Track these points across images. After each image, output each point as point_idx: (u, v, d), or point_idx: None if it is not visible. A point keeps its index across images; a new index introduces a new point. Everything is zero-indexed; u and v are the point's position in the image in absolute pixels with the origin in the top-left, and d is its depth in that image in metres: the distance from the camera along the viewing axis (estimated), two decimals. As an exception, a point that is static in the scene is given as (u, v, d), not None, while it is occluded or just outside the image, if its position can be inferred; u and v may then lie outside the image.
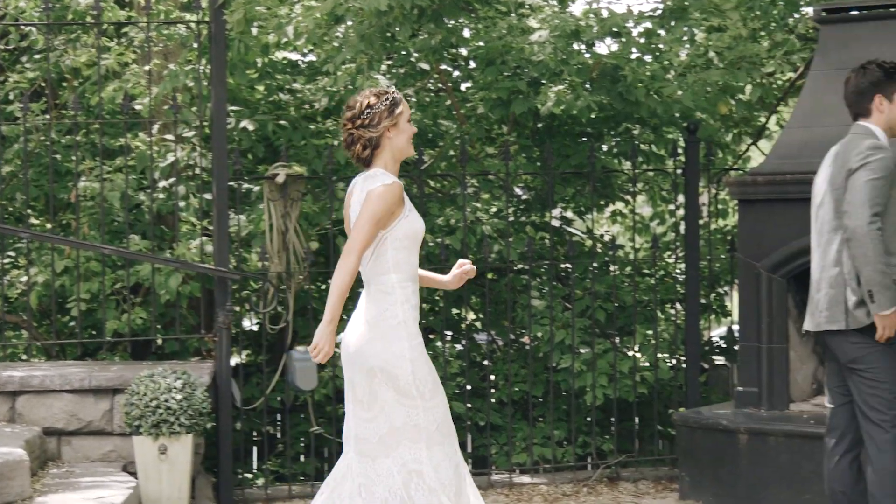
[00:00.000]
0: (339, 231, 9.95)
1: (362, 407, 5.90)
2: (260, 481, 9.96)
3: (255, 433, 10.62)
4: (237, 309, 9.63)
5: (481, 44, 10.43)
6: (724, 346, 11.24)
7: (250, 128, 10.17)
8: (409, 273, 5.94)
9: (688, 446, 8.73)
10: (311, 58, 11.34)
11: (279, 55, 11.20)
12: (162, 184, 10.02)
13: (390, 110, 5.92)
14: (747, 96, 11.80)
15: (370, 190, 5.83)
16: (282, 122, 10.41)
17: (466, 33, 10.80)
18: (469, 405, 10.02)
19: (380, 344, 5.86)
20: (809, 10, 11.18)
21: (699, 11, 11.13)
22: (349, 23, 10.01)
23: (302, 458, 10.58)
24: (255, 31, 10.07)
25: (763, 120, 13.47)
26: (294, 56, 11.45)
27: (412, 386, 5.84)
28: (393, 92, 5.99)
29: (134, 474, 8.12)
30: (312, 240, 9.74)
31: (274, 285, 9.35)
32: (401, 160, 6.00)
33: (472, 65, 10.89)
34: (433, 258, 9.95)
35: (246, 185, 10.20)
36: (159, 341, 9.87)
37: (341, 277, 5.75)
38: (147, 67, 9.90)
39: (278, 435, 10.78)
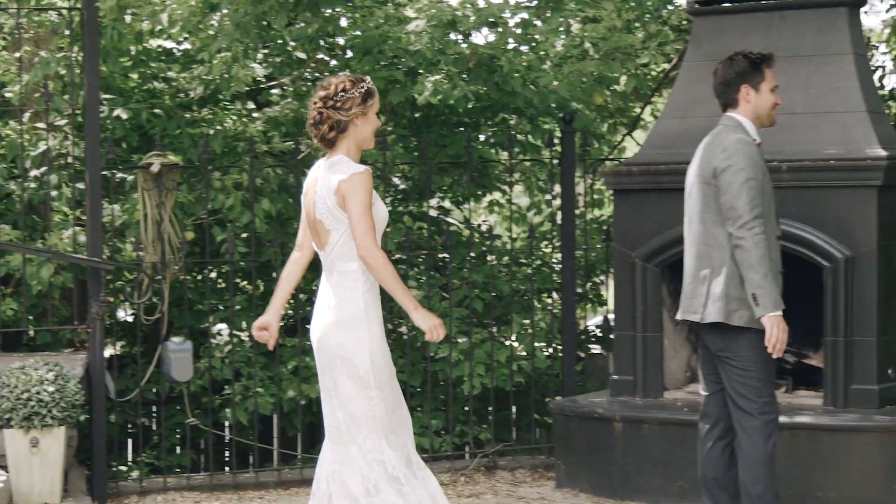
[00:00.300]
0: (216, 221, 9.87)
1: (329, 395, 6.02)
2: (135, 474, 9.85)
3: (129, 425, 10.50)
4: (111, 300, 9.50)
5: (358, 33, 10.40)
6: (601, 334, 11.34)
7: (124, 116, 10.04)
8: None
9: (564, 435, 8.79)
10: (186, 46, 11.21)
11: (153, 43, 11.07)
12: (33, 173, 9.85)
13: (364, 99, 6.00)
14: (622, 87, 11.93)
15: (342, 180, 5.88)
16: (156, 110, 10.29)
17: (343, 22, 10.76)
18: (347, 395, 9.98)
19: (341, 332, 5.94)
20: (683, 2, 11.34)
21: (574, 2, 11.21)
22: (224, 11, 9.94)
23: (178, 449, 10.48)
24: (128, 18, 9.94)
25: (638, 110, 13.63)
26: (169, 44, 11.32)
27: (370, 375, 5.92)
28: (369, 82, 6.05)
29: (5, 468, 7.99)
30: (188, 230, 9.64)
31: (149, 276, 9.24)
32: (362, 149, 6.07)
33: (350, 54, 10.84)
34: (310, 248, 9.89)
35: (120, 175, 10.07)
36: (31, 332, 9.71)
37: (387, 268, 5.86)
38: (17, 54, 9.72)
39: (153, 427, 10.67)
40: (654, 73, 13.42)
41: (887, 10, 14.79)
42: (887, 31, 14.34)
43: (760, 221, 6.43)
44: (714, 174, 6.51)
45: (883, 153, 7.95)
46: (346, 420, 5.96)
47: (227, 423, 10.19)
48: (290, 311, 10.95)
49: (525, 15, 10.82)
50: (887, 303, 8.03)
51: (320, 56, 10.97)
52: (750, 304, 6.43)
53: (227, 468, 10.34)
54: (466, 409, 10.17)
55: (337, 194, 5.91)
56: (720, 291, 6.53)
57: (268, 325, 6.34)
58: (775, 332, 6.40)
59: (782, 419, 6.77)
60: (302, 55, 10.78)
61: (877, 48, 14.93)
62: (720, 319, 6.51)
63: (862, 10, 8.71)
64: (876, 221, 7.93)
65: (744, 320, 6.48)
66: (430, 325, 5.94)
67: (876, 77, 14.07)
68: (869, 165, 7.94)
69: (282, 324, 10.57)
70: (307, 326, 10.54)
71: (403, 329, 10.40)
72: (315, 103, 6.02)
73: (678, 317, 6.84)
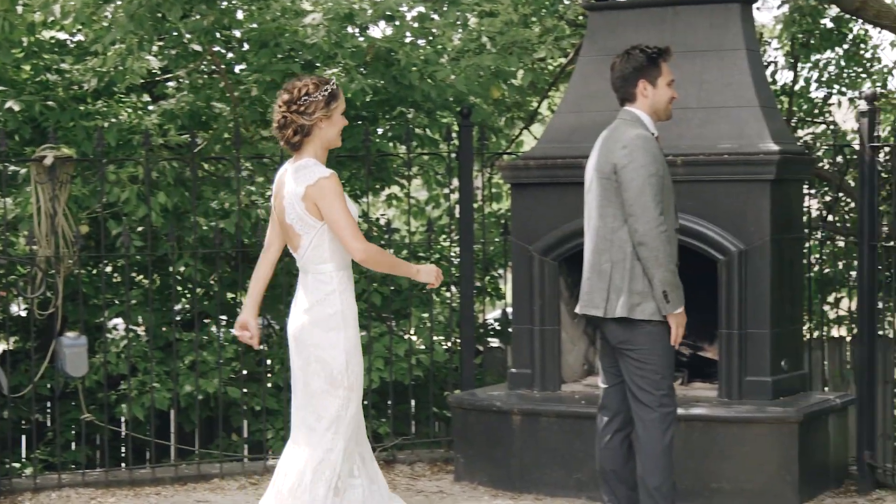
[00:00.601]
0: (111, 214, 9.77)
1: (296, 395, 6.12)
2: (28, 470, 9.72)
3: (23, 421, 10.36)
4: (4, 294, 9.37)
5: (255, 26, 10.34)
6: (499, 328, 11.39)
7: (16, 108, 9.89)
8: (344, 262, 6.07)
9: (463, 428, 8.82)
10: (80, 38, 11.07)
11: (46, 34, 10.92)
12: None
13: (327, 102, 6.01)
14: (519, 81, 11.98)
15: (310, 185, 5.92)
16: (49, 102, 10.15)
17: (240, 15, 10.70)
18: (245, 390, 9.95)
19: (317, 332, 6.00)
20: (579, -3, 11.41)
21: (470, -5, 11.25)
22: (118, 2, 9.82)
23: (73, 446, 10.37)
24: (20, 9, 9.80)
25: (535, 104, 13.71)
26: (62, 35, 11.17)
27: (344, 376, 5.99)
28: (332, 84, 6.06)
29: None
30: (83, 223, 9.53)
31: (42, 270, 9.12)
32: (329, 149, 6.10)
33: (246, 47, 10.78)
34: (207, 242, 9.84)
35: (12, 168, 9.92)
36: (-78, 329, 9.55)
37: (384, 259, 6.10)
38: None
39: (47, 423, 10.54)
40: (550, 67, 13.51)
41: (779, 6, 15.00)
42: (779, 26, 14.55)
43: (664, 218, 6.50)
44: (615, 170, 6.56)
45: (775, 147, 8.07)
46: (312, 419, 6.02)
47: (123, 419, 10.10)
48: (187, 306, 10.88)
49: (422, 9, 10.84)
50: (780, 295, 8.15)
51: (216, 49, 10.89)
52: (653, 297, 6.50)
53: (123, 464, 10.24)
54: (365, 402, 10.16)
55: (305, 200, 5.96)
56: (622, 286, 6.58)
57: (246, 324, 6.34)
58: (679, 331, 6.51)
59: (678, 411, 6.84)
60: (198, 47, 10.69)
61: (769, 44, 15.13)
62: (624, 314, 6.56)
63: (754, 6, 8.81)
64: (769, 215, 8.05)
65: (646, 314, 6.55)
66: (431, 278, 6.16)
67: (768, 72, 14.28)
68: (762, 160, 8.04)
69: (178, 318, 10.55)
70: (205, 321, 10.53)
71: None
72: (279, 107, 6.04)
73: (578, 311, 6.88)
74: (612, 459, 6.81)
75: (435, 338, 10.21)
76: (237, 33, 10.78)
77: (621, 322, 6.60)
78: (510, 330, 9.66)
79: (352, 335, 6.05)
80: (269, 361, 10.34)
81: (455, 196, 9.85)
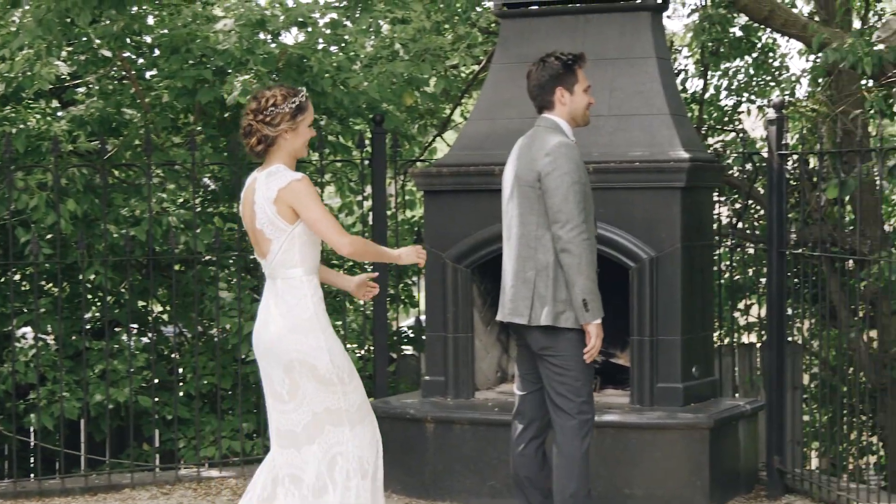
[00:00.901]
0: (19, 222, 9.65)
1: (281, 399, 6.08)
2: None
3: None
4: None
5: (165, 31, 10.27)
6: (413, 335, 11.39)
7: (-78, 115, 9.76)
8: (313, 266, 6.09)
9: (376, 435, 8.79)
10: (-13, 43, 10.93)
11: (-49, 39, 10.77)
12: None
13: (293, 115, 6.04)
14: (432, 88, 11.98)
15: (282, 188, 5.95)
16: (-45, 108, 10.02)
17: (150, 20, 10.62)
18: (156, 399, 9.87)
19: (296, 337, 6.01)
20: (491, 5, 11.43)
21: (384, 3, 11.25)
22: (26, 7, 9.72)
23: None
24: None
25: (448, 112, 13.72)
26: (-32, 41, 11.03)
27: (333, 374, 6.03)
28: (301, 96, 6.07)
29: None
30: (-10, 232, 9.41)
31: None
32: (297, 158, 6.12)
33: (157, 52, 10.71)
34: (118, 250, 9.75)
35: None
36: None
37: (369, 249, 6.22)
38: None
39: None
40: (463, 74, 13.54)
41: (689, 15, 15.15)
42: (689, 35, 14.68)
43: (586, 226, 6.54)
44: (538, 177, 6.57)
45: (686, 155, 8.13)
46: (306, 421, 6.03)
47: (32, 429, 9.98)
48: (97, 314, 10.79)
49: (334, 15, 10.82)
50: (691, 302, 8.21)
51: (127, 54, 10.80)
52: (574, 306, 6.53)
53: (32, 475, 10.12)
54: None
55: (277, 203, 5.97)
56: (547, 294, 6.60)
57: (362, 281, 6.47)
58: (597, 341, 6.54)
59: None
60: (108, 53, 10.60)
61: (679, 52, 15.27)
62: (549, 322, 6.58)
63: (664, 14, 8.88)
64: (680, 222, 8.11)
65: (570, 322, 6.57)
66: (414, 258, 6.26)
67: (679, 80, 14.41)
68: (672, 167, 8.11)
69: (88, 326, 10.45)
70: (116, 329, 10.44)
71: (214, 332, 10.31)
72: (246, 115, 6.07)
73: (501, 318, 6.86)
74: (526, 466, 6.82)
75: (349, 346, 10.19)
76: (148, 39, 10.70)
77: (545, 329, 6.61)
78: (424, 337, 9.66)
79: (329, 335, 6.08)
80: (181, 370, 10.27)
81: (368, 203, 9.83)
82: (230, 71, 10.03)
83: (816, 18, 13.52)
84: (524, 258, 6.67)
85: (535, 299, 6.63)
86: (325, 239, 6.02)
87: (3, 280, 10.27)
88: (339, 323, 10.25)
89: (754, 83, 14.86)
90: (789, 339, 9.24)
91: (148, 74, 11.03)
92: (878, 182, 8.23)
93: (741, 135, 9.68)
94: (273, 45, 10.31)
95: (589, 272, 6.53)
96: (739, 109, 15.00)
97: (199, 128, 10.70)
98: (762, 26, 12.98)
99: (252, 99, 6.10)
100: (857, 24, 14.17)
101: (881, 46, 9.69)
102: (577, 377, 6.61)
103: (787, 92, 14.72)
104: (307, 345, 6.02)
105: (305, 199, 5.95)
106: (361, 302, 10.67)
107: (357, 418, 6.09)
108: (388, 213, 9.98)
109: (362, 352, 10.42)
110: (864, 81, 11.36)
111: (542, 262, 6.60)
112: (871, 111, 10.26)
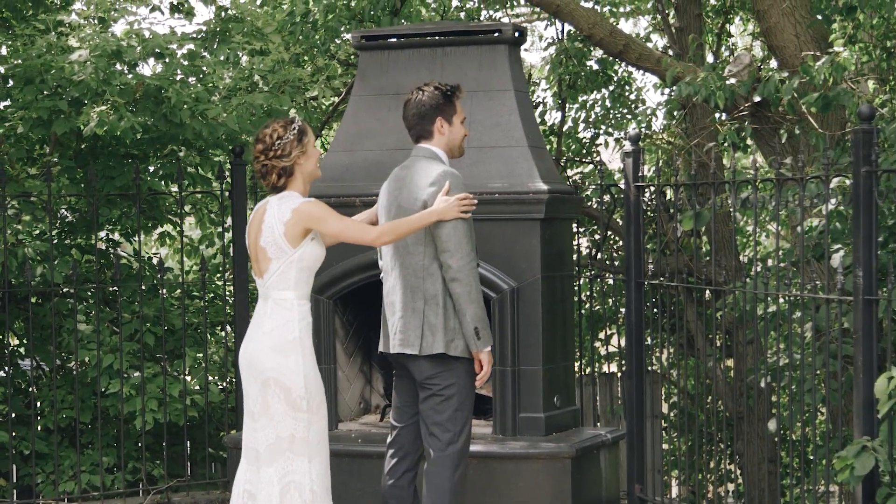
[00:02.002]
0: None
1: (252, 416, 6.27)
2: None
3: None
4: None
5: (19, 62, 10.13)
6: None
7: None
8: (306, 292, 6.32)
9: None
10: None
11: None
12: None
13: (299, 139, 6.31)
14: (292, 119, 11.94)
15: (295, 208, 6.21)
16: None
17: (3, 50, 10.46)
18: (14, 433, 9.69)
19: (276, 356, 6.19)
20: (349, 37, 11.46)
21: (242, 34, 11.22)
22: None
23: None
24: None
25: (307, 143, 13.69)
26: None
27: (303, 399, 6.18)
28: (298, 121, 6.32)
29: None
30: None
31: None
32: (310, 182, 6.40)
33: (11, 83, 10.54)
34: (-28, 284, 9.58)
35: None
36: None
37: (396, 227, 6.42)
38: None
39: None
40: (323, 106, 13.54)
41: (545, 48, 15.34)
42: (547, 67, 14.86)
43: (475, 255, 6.59)
44: (424, 206, 6.60)
45: (544, 187, 8.21)
46: (269, 442, 6.19)
47: None
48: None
49: (192, 46, 10.76)
50: (551, 332, 8.28)
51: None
52: (465, 334, 6.56)
53: None
54: (139, 444, 10.00)
55: (287, 224, 6.19)
56: (437, 323, 6.61)
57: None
58: (488, 367, 6.59)
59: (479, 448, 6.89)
60: (-40, 84, 10.43)
61: (538, 84, 15.45)
62: (441, 351, 6.59)
63: (522, 47, 8.97)
64: (539, 253, 8.18)
65: (459, 350, 6.61)
66: (456, 212, 6.49)
67: (537, 112, 14.58)
68: (531, 199, 8.17)
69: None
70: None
71: (72, 365, 10.16)
72: (257, 158, 6.29)
73: (386, 350, 6.82)
74: (398, 498, 6.81)
75: (210, 378, 10.11)
76: (1, 69, 10.54)
77: (433, 358, 6.62)
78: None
79: (309, 361, 6.25)
80: (38, 404, 10.09)
81: (229, 235, 9.78)
82: (86, 102, 9.92)
83: (670, 52, 13.78)
84: (413, 288, 6.67)
85: (425, 329, 6.64)
86: (355, 241, 6.39)
87: None
88: (200, 355, 10.17)
89: (611, 116, 15.11)
90: (649, 368, 9.36)
91: (1, 105, 10.86)
92: (731, 213, 8.40)
93: (599, 166, 9.78)
94: (129, 76, 10.21)
95: (479, 300, 6.58)
96: (597, 141, 15.24)
97: (55, 159, 10.56)
98: (618, 60, 13.19)
99: (256, 141, 6.33)
100: (710, 58, 14.47)
101: (733, 80, 9.91)
102: (457, 407, 6.64)
103: (643, 124, 14.99)
104: (286, 366, 6.19)
105: (322, 215, 6.24)
106: (223, 334, 10.58)
107: (316, 451, 6.26)
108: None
109: (224, 384, 10.34)
110: (717, 115, 11.59)
111: (431, 292, 6.62)
112: (725, 144, 10.47)
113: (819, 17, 10.46)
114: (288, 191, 6.33)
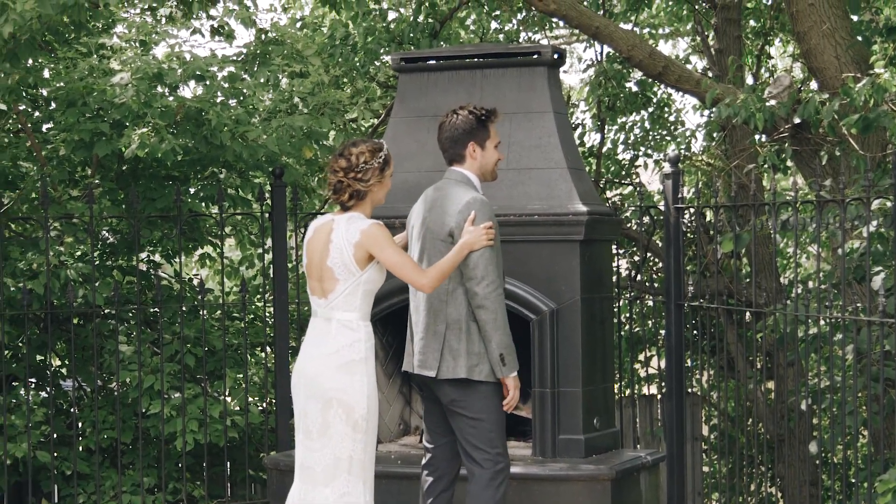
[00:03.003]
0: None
1: (309, 436, 6.28)
2: None
3: None
4: None
5: (62, 84, 10.21)
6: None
7: None
8: (368, 313, 6.37)
9: (279, 489, 8.73)
10: None
11: None
12: None
13: (382, 169, 6.36)
14: (331, 141, 12.01)
15: (364, 230, 6.25)
16: None
17: (46, 73, 10.55)
18: (56, 454, 9.74)
19: (342, 376, 6.22)
20: (389, 59, 11.50)
21: (282, 57, 11.27)
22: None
23: None
24: None
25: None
26: None
27: (364, 419, 6.22)
28: (385, 149, 6.35)
29: None
30: None
31: None
32: (376, 206, 6.44)
33: (53, 106, 10.64)
34: (15, 303, 9.64)
35: None
36: None
37: (440, 272, 6.40)
38: None
39: None
40: (363, 127, 13.59)
41: (584, 70, 15.35)
42: (586, 89, 14.86)
43: (501, 282, 6.59)
44: (451, 232, 6.62)
45: (584, 209, 8.21)
46: (327, 462, 6.22)
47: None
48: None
49: (232, 69, 10.82)
50: (591, 354, 8.27)
51: (22, 107, 10.72)
52: (489, 360, 6.57)
53: (-75, 534, 9.92)
54: (180, 465, 10.03)
55: (357, 246, 6.24)
56: (460, 347, 6.62)
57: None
58: (515, 392, 6.58)
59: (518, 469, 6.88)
60: (3, 106, 10.52)
61: (577, 106, 15.45)
62: (463, 375, 6.60)
63: (561, 69, 8.99)
64: (579, 275, 8.17)
65: (483, 375, 6.61)
66: (484, 241, 6.49)
67: (576, 134, 14.58)
68: (571, 220, 8.17)
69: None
70: (13, 384, 10.29)
71: (114, 385, 10.21)
72: (336, 171, 6.31)
73: (412, 370, 6.84)
74: None
75: (250, 398, 10.14)
76: (44, 92, 10.63)
77: (456, 382, 6.63)
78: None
79: (372, 382, 6.30)
80: (80, 424, 10.14)
81: (269, 256, 9.81)
82: (128, 124, 9.99)
83: (710, 74, 13.77)
84: (435, 311, 6.68)
85: (444, 352, 6.64)
86: (406, 280, 6.35)
87: None
88: (241, 376, 10.20)
89: (650, 137, 15.10)
90: (689, 390, 9.33)
91: (45, 127, 10.95)
92: (772, 235, 8.37)
93: (638, 188, 9.78)
94: (171, 98, 10.28)
95: (504, 327, 6.60)
96: (636, 163, 15.22)
97: (96, 181, 10.63)
98: (657, 82, 13.18)
99: (339, 156, 6.33)
100: (750, 80, 14.45)
101: (773, 102, 9.88)
102: (490, 428, 6.64)
103: (682, 146, 14.97)
104: (351, 385, 6.23)
105: (384, 243, 6.25)
106: (263, 355, 10.61)
107: (369, 473, 6.31)
108: (290, 265, 9.96)
109: (264, 405, 10.36)
110: (757, 136, 11.57)
111: (454, 317, 6.63)
112: (765, 165, 10.45)
113: (859, 38, 10.42)
114: (355, 212, 6.35)
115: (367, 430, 6.27)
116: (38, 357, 10.64)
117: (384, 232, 6.28)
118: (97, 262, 10.33)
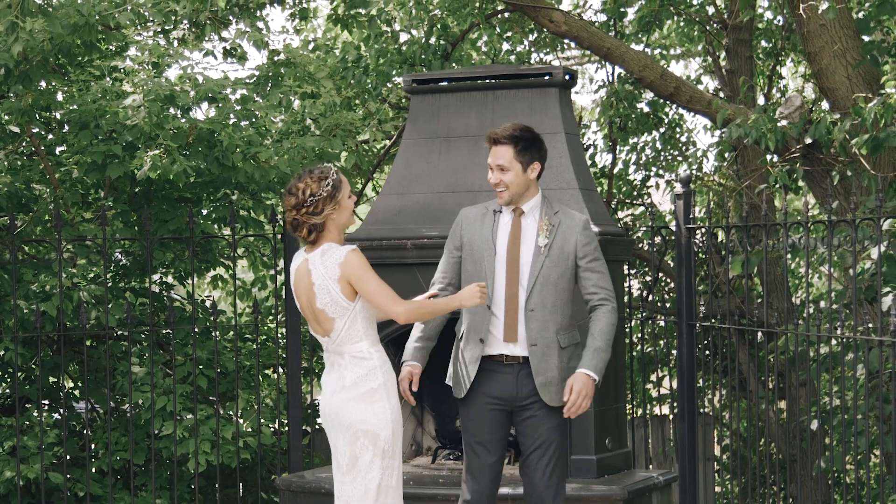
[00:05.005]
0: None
1: (340, 470, 6.28)
2: None
3: None
4: None
5: (74, 107, 10.25)
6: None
7: None
8: (377, 336, 6.31)
9: (290, 510, 8.75)
10: None
11: None
12: None
13: (332, 196, 6.20)
14: (343, 163, 12.04)
15: (341, 263, 6.14)
16: None
17: (59, 96, 10.59)
18: (68, 475, 9.75)
19: (362, 407, 6.19)
20: (401, 81, 11.52)
21: (293, 78, 11.31)
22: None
23: None
24: None
25: (359, 186, 13.77)
26: None
27: (390, 445, 6.21)
28: (333, 174, 6.20)
29: None
30: None
31: None
32: (345, 228, 6.33)
33: (66, 128, 10.68)
34: (28, 325, 9.67)
35: None
36: None
37: (425, 310, 6.30)
38: None
39: None
40: (375, 149, 13.62)
41: (596, 91, 15.37)
42: (597, 110, 14.88)
43: None
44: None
45: (596, 229, 8.20)
46: (359, 495, 6.22)
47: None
48: (7, 391, 10.67)
49: (244, 91, 10.86)
50: (604, 374, 8.26)
51: (35, 130, 10.77)
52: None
53: (-62, 556, 9.94)
54: (192, 487, 10.03)
55: (340, 281, 6.15)
56: None
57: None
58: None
59: (507, 490, 6.87)
60: (16, 129, 10.56)
61: (588, 127, 15.47)
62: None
63: (572, 90, 9.00)
64: (590, 294, 8.17)
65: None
66: (477, 300, 6.29)
67: (588, 155, 14.60)
68: (583, 241, 8.17)
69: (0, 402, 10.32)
70: (26, 405, 10.32)
71: (126, 407, 10.23)
72: (289, 211, 6.20)
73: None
74: None
75: (262, 420, 10.15)
76: (57, 114, 10.67)
77: None
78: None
79: (395, 405, 6.27)
80: (93, 446, 10.16)
81: (281, 277, 9.83)
82: (140, 146, 10.02)
83: (721, 95, 13.78)
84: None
85: None
86: (381, 310, 6.21)
87: None
88: (253, 397, 10.22)
89: (662, 158, 15.10)
90: (701, 410, 9.32)
91: (57, 150, 10.99)
92: (783, 255, 8.38)
93: (650, 208, 9.79)
94: (183, 120, 10.32)
95: None
96: (648, 183, 15.23)
97: (109, 203, 10.66)
98: (668, 102, 13.20)
99: (288, 194, 6.24)
100: (761, 100, 14.46)
101: (784, 122, 9.89)
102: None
103: (694, 166, 14.97)
104: (373, 413, 6.20)
105: (361, 272, 6.15)
106: (275, 376, 10.62)
107: (399, 497, 6.29)
108: (301, 287, 9.97)
109: (275, 426, 10.38)
110: (768, 156, 11.58)
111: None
112: (776, 185, 10.46)
113: (869, 57, 10.43)
114: (325, 244, 6.24)
115: (394, 454, 6.26)
116: (51, 379, 10.66)
117: (359, 259, 6.17)
118: (110, 284, 10.36)
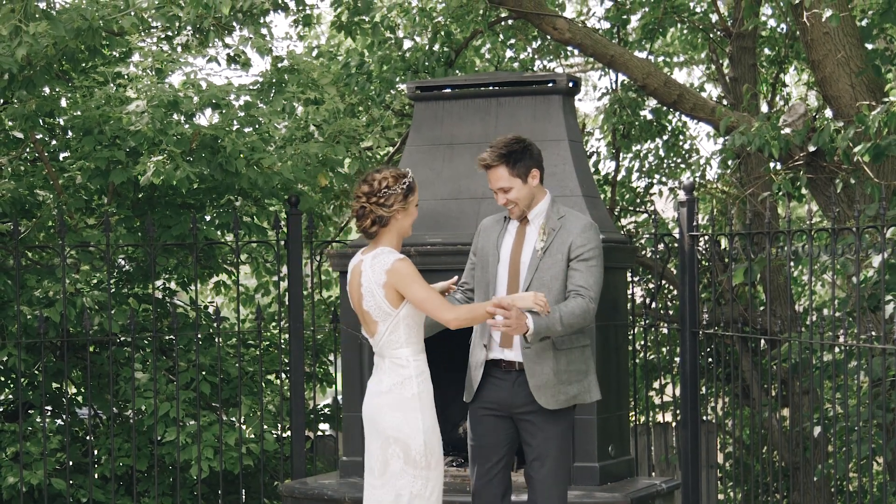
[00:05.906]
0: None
1: (372, 473, 6.31)
2: None
3: None
4: None
5: (78, 113, 10.26)
6: (330, 414, 11.35)
7: None
8: (420, 346, 6.32)
9: (293, 517, 8.74)
10: None
11: None
12: None
13: (405, 195, 6.27)
14: (346, 169, 12.04)
15: (388, 270, 6.19)
16: None
17: (63, 102, 10.60)
18: (71, 481, 9.75)
19: (396, 414, 6.21)
20: (404, 87, 11.52)
21: (297, 85, 11.32)
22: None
23: None
24: None
25: (362, 192, 13.75)
26: None
27: (422, 456, 6.20)
28: (410, 177, 6.29)
29: None
30: None
31: None
32: (403, 237, 6.36)
33: (70, 134, 10.69)
34: (31, 331, 9.67)
35: None
36: None
37: (471, 314, 6.30)
38: None
39: None
40: (378, 156, 13.62)
41: (599, 98, 15.38)
42: (601, 117, 14.88)
43: None
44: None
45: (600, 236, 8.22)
46: (389, 500, 6.22)
47: (-59, 515, 9.82)
48: (10, 396, 10.67)
49: (248, 97, 10.87)
50: (606, 381, 8.27)
51: (39, 136, 10.78)
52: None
53: (-59, 562, 9.94)
54: (195, 493, 10.03)
55: (386, 287, 6.20)
56: None
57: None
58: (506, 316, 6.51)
59: (511, 497, 6.87)
60: (19, 135, 10.57)
61: (591, 134, 15.47)
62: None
63: (576, 97, 9.00)
64: (595, 302, 8.17)
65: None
66: (528, 302, 6.26)
67: (591, 162, 14.59)
68: (586, 248, 8.16)
69: (2, 408, 10.32)
70: (29, 411, 10.32)
71: (129, 413, 10.23)
72: (358, 197, 6.26)
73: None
74: None
75: (265, 426, 10.15)
76: (60, 120, 10.69)
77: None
78: (341, 416, 9.63)
79: (429, 416, 6.26)
80: (95, 452, 10.16)
81: (284, 284, 9.84)
82: (143, 152, 10.03)
83: (725, 102, 13.78)
84: None
85: None
86: (432, 316, 6.24)
87: None
88: (255, 403, 10.21)
89: (665, 165, 15.10)
90: (704, 418, 9.32)
91: (61, 156, 11.00)
92: (787, 262, 8.38)
93: (653, 216, 9.80)
94: (186, 126, 10.33)
95: None
96: (651, 191, 15.23)
97: (112, 209, 10.67)
98: (672, 110, 13.21)
99: (363, 182, 6.28)
100: (764, 108, 14.47)
101: (788, 130, 9.89)
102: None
103: (697, 174, 14.97)
104: (405, 423, 6.21)
105: (409, 281, 6.18)
106: (278, 382, 10.63)
107: None
108: (305, 293, 9.99)
109: (278, 432, 10.37)
110: (771, 164, 11.58)
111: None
112: (780, 193, 10.46)
113: (874, 65, 10.44)
114: (380, 247, 6.28)
115: (429, 465, 6.24)
116: (54, 384, 10.67)
117: (409, 268, 6.22)
118: (113, 290, 10.36)
